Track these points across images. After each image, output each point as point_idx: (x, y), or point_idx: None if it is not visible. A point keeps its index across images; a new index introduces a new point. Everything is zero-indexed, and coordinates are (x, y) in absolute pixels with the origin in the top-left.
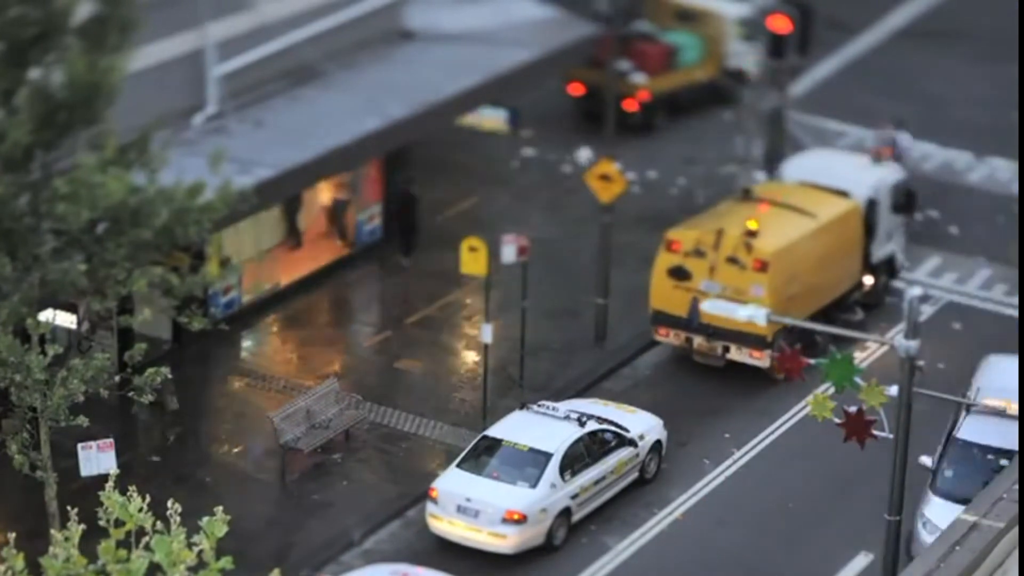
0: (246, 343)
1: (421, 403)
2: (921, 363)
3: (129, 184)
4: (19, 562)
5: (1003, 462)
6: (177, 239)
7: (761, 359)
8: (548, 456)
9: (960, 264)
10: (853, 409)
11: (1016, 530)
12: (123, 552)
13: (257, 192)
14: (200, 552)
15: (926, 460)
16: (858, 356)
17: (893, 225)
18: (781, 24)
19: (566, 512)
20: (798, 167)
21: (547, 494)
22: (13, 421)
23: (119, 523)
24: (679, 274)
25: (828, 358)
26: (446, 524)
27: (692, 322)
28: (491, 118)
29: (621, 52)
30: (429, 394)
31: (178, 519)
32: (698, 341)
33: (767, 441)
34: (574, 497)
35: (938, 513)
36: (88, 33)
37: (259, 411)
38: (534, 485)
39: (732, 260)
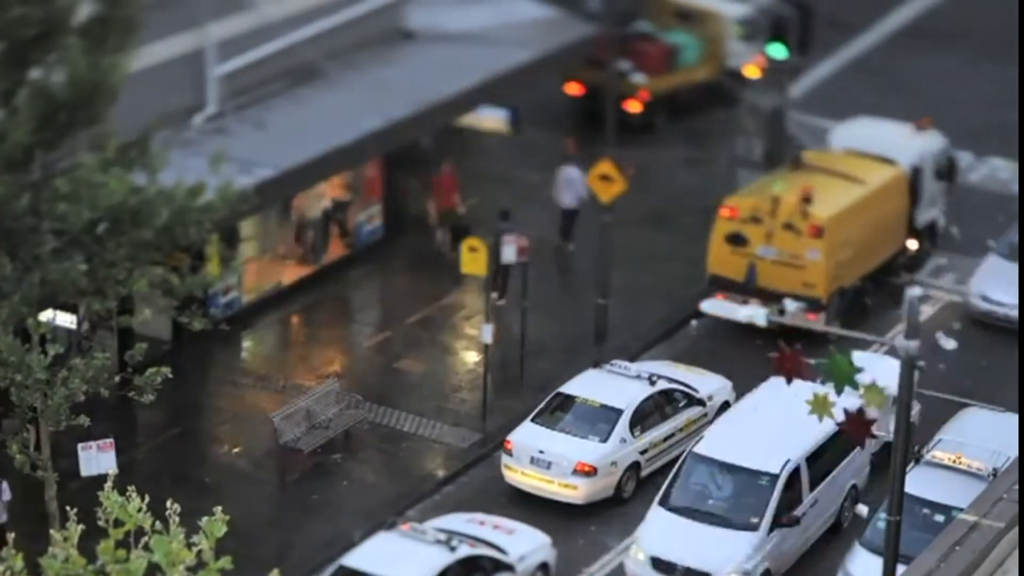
0: (246, 343)
1: (421, 403)
2: (922, 363)
3: (130, 184)
4: (18, 562)
5: (938, 518)
6: (177, 239)
7: (816, 320)
8: (619, 412)
9: (960, 264)
10: (853, 409)
11: (1016, 530)
12: (122, 552)
13: (257, 192)
14: (199, 552)
15: (862, 509)
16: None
17: (935, 191)
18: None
19: (635, 466)
20: (845, 136)
21: (617, 448)
22: (13, 421)
23: (118, 523)
24: (736, 240)
25: (828, 358)
26: (519, 475)
27: (749, 285)
28: (491, 118)
29: (621, 52)
30: (429, 394)
31: (177, 519)
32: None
33: None
34: (643, 452)
35: (863, 568)
36: (89, 33)
37: (259, 411)
38: (605, 439)
39: (788, 226)
